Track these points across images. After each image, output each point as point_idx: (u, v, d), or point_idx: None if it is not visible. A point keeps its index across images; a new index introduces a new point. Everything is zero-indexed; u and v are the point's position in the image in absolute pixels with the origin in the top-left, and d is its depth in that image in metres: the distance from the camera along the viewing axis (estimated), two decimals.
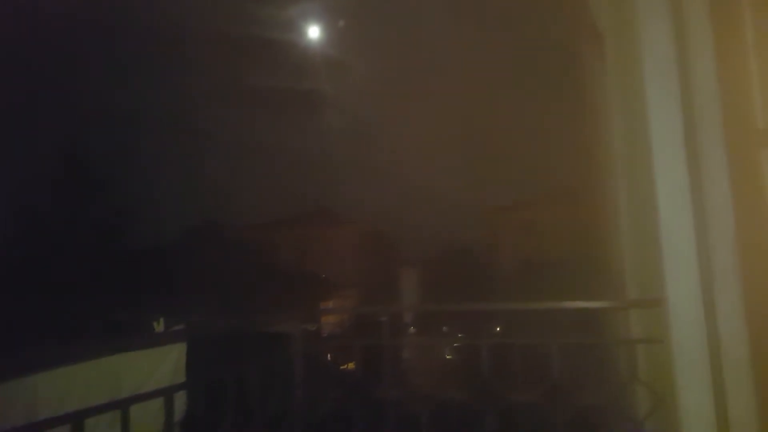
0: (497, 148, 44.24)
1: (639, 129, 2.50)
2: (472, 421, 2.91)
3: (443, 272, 29.50)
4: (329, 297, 27.68)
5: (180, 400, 3.16)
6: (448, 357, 19.32)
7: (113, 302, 16.54)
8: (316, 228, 35.64)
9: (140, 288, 18.42)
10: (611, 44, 3.25)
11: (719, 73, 2.28)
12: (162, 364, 3.84)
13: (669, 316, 2.27)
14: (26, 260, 20.38)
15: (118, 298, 17.07)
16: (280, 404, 3.07)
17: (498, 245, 33.86)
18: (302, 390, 3.24)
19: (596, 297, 3.42)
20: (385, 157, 53.13)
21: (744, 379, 2.13)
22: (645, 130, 2.39)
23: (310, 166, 43.76)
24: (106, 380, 3.43)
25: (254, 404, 2.84)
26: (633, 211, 3.08)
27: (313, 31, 27.11)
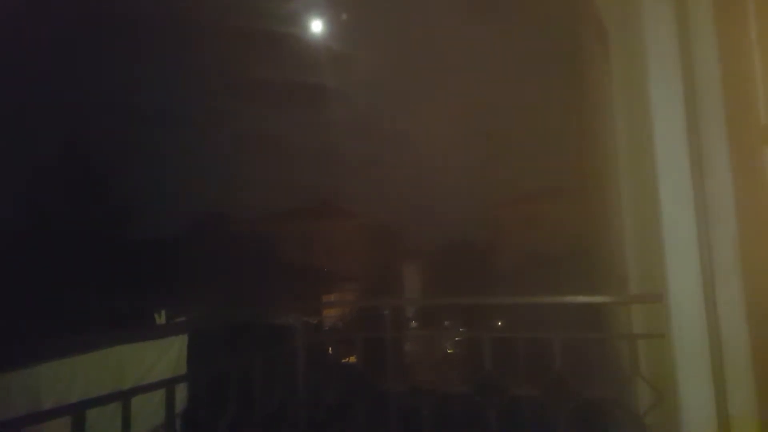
0: (501, 143, 44.18)
1: (642, 125, 2.49)
2: (474, 415, 2.92)
3: (446, 266, 29.52)
4: (332, 290, 27.70)
5: (181, 392, 3.18)
6: (449, 351, 19.36)
7: (115, 293, 16.58)
8: (319, 221, 35.63)
9: (142, 279, 18.47)
10: (616, 41, 3.25)
11: (722, 70, 2.28)
12: (164, 356, 3.85)
13: (670, 311, 2.27)
14: (29, 252, 20.44)
15: (121, 290, 17.13)
16: (281, 396, 3.08)
17: (500, 240, 33.83)
18: (304, 382, 3.26)
19: (598, 292, 3.43)
20: (389, 151, 53.07)
21: (744, 374, 2.14)
22: (648, 126, 2.39)
23: (314, 159, 43.62)
24: (107, 372, 3.45)
25: (256, 396, 2.85)
26: (635, 206, 3.08)
27: (317, 24, 27.09)
